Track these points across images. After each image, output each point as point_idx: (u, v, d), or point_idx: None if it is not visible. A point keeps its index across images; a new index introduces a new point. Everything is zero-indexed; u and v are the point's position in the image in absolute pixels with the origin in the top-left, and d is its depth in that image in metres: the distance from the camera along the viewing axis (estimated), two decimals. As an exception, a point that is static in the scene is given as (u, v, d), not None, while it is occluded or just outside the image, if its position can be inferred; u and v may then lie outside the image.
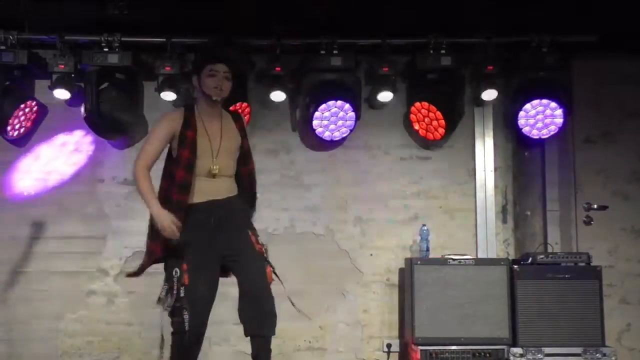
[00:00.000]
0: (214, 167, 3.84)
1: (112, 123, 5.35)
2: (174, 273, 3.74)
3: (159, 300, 3.78)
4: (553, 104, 5.31)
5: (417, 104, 5.49)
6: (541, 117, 5.36)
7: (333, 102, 5.33)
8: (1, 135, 5.32)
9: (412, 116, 5.54)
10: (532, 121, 5.37)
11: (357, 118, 5.41)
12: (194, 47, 5.35)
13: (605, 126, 5.74)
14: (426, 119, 5.50)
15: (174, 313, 3.73)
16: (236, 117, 4.10)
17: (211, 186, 3.85)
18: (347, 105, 5.34)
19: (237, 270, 3.87)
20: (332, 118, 5.39)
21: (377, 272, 5.65)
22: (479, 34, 5.28)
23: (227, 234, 3.83)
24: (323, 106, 5.34)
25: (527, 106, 5.33)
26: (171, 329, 3.78)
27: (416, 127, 5.55)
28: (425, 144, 5.70)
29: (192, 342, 3.76)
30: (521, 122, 5.36)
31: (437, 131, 5.49)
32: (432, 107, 5.45)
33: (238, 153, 3.97)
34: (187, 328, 3.67)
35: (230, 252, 3.84)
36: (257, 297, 3.76)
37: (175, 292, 3.72)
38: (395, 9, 5.10)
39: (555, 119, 5.35)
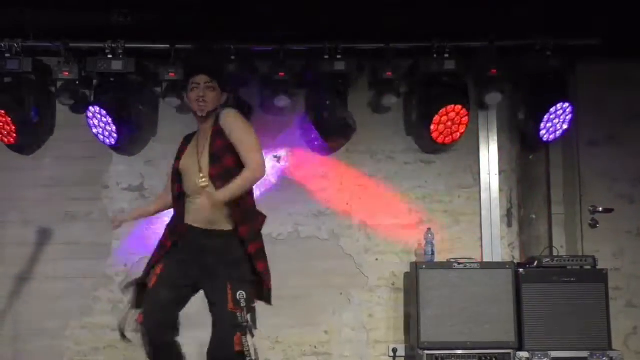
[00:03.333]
0: (200, 180, 3.69)
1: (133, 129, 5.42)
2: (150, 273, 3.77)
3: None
4: (566, 105, 5.27)
5: (449, 107, 5.32)
6: (557, 121, 5.34)
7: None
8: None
9: (437, 117, 5.34)
10: (549, 125, 5.35)
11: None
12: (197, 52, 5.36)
13: (610, 129, 5.73)
14: (448, 122, 5.37)
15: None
16: (217, 119, 3.77)
17: (197, 209, 3.70)
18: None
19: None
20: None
21: (382, 276, 5.64)
22: (483, 37, 5.28)
23: (204, 272, 3.67)
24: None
25: (551, 111, 5.26)
26: None
27: (433, 130, 5.40)
28: (430, 148, 5.69)
29: (148, 341, 3.68)
30: (542, 132, 5.33)
31: (453, 135, 5.42)
32: (464, 110, 5.33)
33: (230, 155, 3.68)
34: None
35: (204, 290, 3.74)
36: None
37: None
38: (398, 13, 5.11)
39: (567, 117, 5.31)
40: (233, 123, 3.68)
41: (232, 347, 3.48)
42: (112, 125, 5.23)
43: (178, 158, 3.87)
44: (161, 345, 3.69)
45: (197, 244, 3.71)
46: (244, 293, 3.48)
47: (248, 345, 3.44)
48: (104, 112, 5.18)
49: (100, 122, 5.24)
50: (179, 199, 3.83)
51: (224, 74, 4.13)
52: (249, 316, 3.48)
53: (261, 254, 3.76)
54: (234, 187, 3.58)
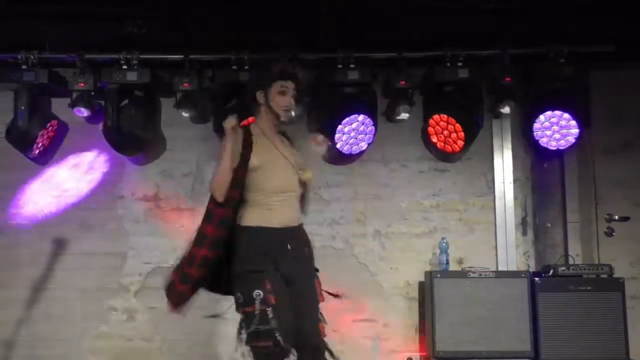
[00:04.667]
0: (303, 172, 3.77)
1: (132, 140, 5.39)
2: (254, 295, 3.49)
3: (239, 331, 3.55)
4: (566, 115, 5.29)
5: (436, 117, 5.47)
6: (557, 129, 5.34)
7: (355, 116, 5.34)
8: (25, 154, 5.36)
9: (430, 129, 5.52)
10: (548, 132, 5.35)
11: (375, 132, 5.42)
12: (212, 63, 5.39)
13: (625, 136, 5.70)
14: (445, 132, 5.47)
15: (259, 337, 3.47)
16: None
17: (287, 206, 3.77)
18: (368, 120, 5.35)
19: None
20: (353, 133, 5.39)
21: (396, 285, 5.63)
22: (496, 45, 5.27)
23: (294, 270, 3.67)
24: (346, 120, 5.34)
25: (541, 117, 5.31)
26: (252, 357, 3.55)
27: (434, 139, 5.53)
28: (444, 156, 5.69)
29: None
30: (537, 133, 5.35)
31: (456, 143, 5.47)
32: (452, 120, 5.42)
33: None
34: (281, 347, 3.46)
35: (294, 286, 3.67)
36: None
37: (258, 314, 3.48)
38: (412, 22, 5.11)
39: (571, 130, 5.32)
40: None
41: (322, 335, 3.71)
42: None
43: (245, 156, 3.64)
44: None
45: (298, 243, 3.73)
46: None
47: None
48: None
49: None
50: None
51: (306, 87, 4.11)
52: None
53: None
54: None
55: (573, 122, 5.30)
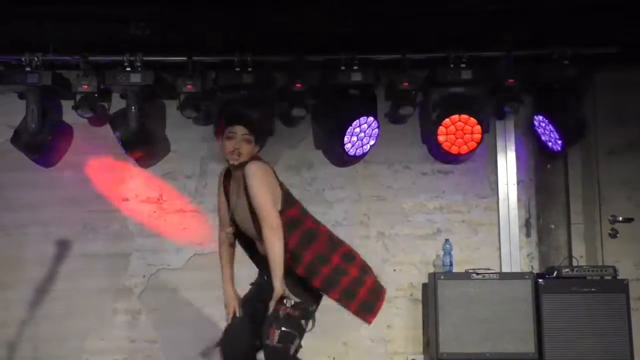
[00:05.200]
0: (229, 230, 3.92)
1: (142, 141, 5.43)
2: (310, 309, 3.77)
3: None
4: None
5: (455, 117, 5.35)
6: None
7: (364, 118, 5.34)
8: (30, 157, 5.37)
9: (442, 128, 5.41)
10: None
11: (379, 133, 5.43)
12: (215, 65, 5.40)
13: (629, 137, 5.68)
14: (458, 132, 5.40)
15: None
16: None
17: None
18: (374, 121, 5.36)
19: None
20: (361, 134, 5.39)
21: (400, 287, 5.62)
22: (499, 47, 5.26)
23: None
24: (355, 123, 5.33)
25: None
26: None
27: (442, 139, 5.43)
28: (447, 158, 5.68)
29: None
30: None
31: (467, 145, 5.42)
32: (472, 120, 5.36)
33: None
34: None
35: None
36: None
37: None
38: (415, 23, 5.11)
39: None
40: (252, 178, 3.69)
41: None
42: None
43: (226, 194, 3.94)
44: None
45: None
46: None
47: None
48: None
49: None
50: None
51: (261, 127, 4.14)
52: None
53: None
54: (276, 265, 3.64)
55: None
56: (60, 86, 5.37)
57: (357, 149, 5.45)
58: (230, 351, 3.80)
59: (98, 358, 5.51)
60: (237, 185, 3.81)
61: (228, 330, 3.86)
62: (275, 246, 3.62)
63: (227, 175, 3.93)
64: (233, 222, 3.91)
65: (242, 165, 3.73)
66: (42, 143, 5.31)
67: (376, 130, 5.40)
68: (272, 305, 3.62)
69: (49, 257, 5.54)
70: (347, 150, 5.42)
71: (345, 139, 5.37)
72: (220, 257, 4.00)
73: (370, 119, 5.36)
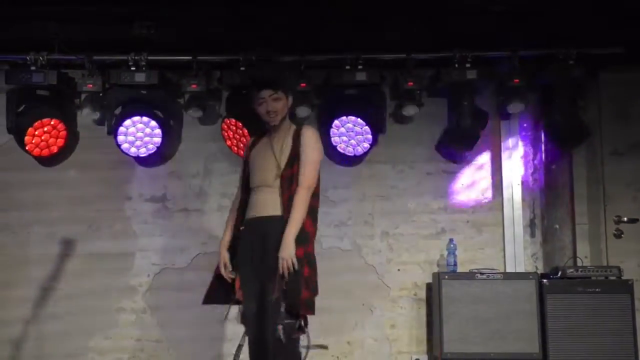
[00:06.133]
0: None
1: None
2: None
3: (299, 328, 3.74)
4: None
5: None
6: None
7: (351, 117, 5.33)
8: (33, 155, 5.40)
9: None
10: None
11: (377, 132, 5.40)
12: (219, 64, 5.40)
13: (634, 138, 5.67)
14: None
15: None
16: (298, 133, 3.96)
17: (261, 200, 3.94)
18: (361, 120, 5.34)
19: None
20: (350, 133, 5.38)
21: (404, 287, 5.62)
22: (505, 47, 5.26)
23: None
24: (336, 122, 5.34)
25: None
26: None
27: None
28: (451, 158, 5.69)
29: None
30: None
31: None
32: None
33: (287, 168, 3.87)
34: None
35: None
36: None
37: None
38: (420, 23, 5.11)
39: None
40: (310, 138, 3.92)
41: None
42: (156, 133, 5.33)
43: (249, 149, 4.09)
44: None
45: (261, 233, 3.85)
46: None
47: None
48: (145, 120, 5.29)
49: (139, 132, 5.31)
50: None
51: (286, 80, 4.23)
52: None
53: None
54: (296, 223, 3.75)
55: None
56: (65, 85, 5.38)
57: (353, 147, 5.41)
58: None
59: (102, 357, 5.52)
60: (280, 138, 3.91)
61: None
62: (302, 206, 3.77)
63: (253, 145, 4.09)
64: (246, 182, 4.01)
65: (282, 122, 3.94)
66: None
67: (367, 128, 5.34)
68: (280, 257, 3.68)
69: (54, 257, 5.55)
70: (341, 150, 5.41)
71: (333, 140, 5.36)
72: (227, 221, 4.09)
73: (354, 118, 5.33)
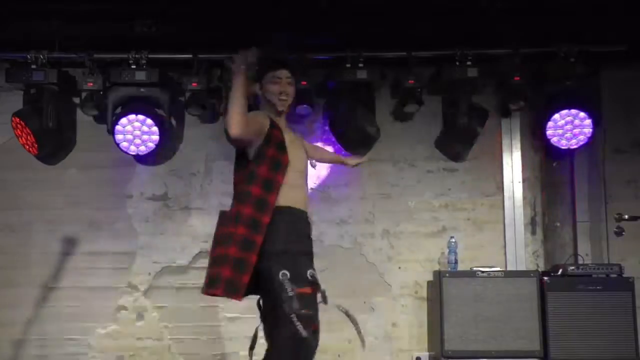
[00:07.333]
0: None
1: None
2: (308, 275, 3.55)
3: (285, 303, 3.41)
4: (582, 114, 5.28)
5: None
6: (570, 127, 5.33)
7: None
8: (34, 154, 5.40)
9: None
10: (560, 131, 5.35)
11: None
12: (220, 62, 5.39)
13: (636, 135, 5.67)
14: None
15: (308, 321, 3.49)
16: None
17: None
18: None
19: None
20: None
21: (405, 285, 5.62)
22: (506, 44, 5.25)
23: None
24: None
25: (556, 116, 5.30)
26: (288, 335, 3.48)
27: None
28: (452, 155, 5.68)
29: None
30: (549, 132, 5.33)
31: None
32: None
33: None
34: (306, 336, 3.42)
35: None
36: None
37: (311, 296, 3.52)
38: (421, 21, 5.10)
39: (584, 129, 5.32)
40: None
41: None
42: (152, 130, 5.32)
43: (283, 148, 3.69)
44: None
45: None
46: None
47: None
48: (141, 118, 5.27)
49: (136, 130, 5.29)
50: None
51: (300, 70, 4.22)
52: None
53: None
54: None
55: (588, 122, 5.28)
56: (66, 84, 5.38)
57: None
58: None
59: (104, 355, 5.52)
60: (289, 130, 3.84)
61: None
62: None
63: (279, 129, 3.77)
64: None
65: (288, 109, 3.84)
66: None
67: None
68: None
69: (55, 255, 5.56)
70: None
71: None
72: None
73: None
